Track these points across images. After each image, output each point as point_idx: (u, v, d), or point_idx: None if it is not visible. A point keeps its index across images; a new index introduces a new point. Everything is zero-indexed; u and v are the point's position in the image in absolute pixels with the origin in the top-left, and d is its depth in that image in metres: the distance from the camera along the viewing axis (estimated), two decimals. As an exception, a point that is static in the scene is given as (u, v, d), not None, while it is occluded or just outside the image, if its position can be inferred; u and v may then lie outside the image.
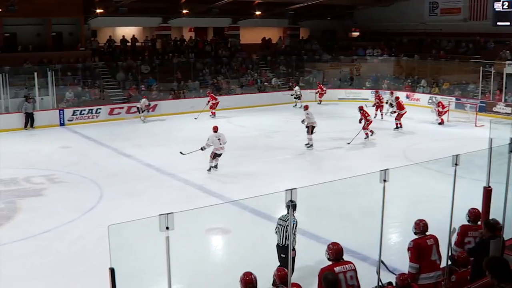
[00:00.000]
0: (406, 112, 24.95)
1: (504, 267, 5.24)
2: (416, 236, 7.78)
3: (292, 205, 8.72)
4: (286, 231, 8.83)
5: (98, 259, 9.59)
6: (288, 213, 8.89)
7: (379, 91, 30.21)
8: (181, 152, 17.59)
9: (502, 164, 7.86)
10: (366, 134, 21.54)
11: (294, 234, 8.63)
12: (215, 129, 17.02)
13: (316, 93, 32.66)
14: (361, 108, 21.61)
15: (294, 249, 8.17)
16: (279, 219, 9.08)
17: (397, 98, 26.15)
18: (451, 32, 35.43)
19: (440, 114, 25.32)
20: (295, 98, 31.48)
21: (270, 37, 40.22)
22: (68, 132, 24.55)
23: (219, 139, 16.72)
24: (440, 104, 25.52)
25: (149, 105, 27.64)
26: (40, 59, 29.09)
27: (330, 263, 7.07)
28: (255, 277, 6.51)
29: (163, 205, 13.47)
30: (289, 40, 41.51)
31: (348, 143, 20.68)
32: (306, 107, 21.24)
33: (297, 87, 32.23)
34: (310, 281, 8.13)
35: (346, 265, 7.00)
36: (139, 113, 27.32)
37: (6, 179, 16.39)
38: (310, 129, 20.39)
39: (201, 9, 33.31)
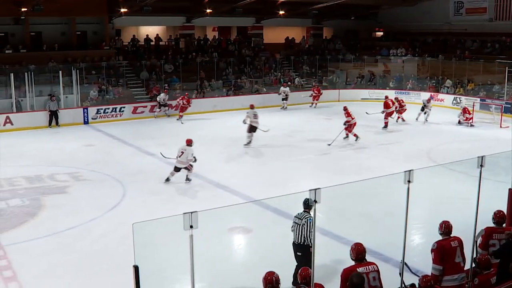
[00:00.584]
0: (393, 111, 25.00)
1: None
2: (440, 238, 7.73)
3: (309, 204, 8.78)
4: (302, 230, 8.87)
5: (121, 257, 9.71)
6: (304, 211, 9.03)
7: (400, 93, 29.87)
8: (161, 154, 17.17)
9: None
10: (354, 135, 21.02)
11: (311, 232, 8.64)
12: (187, 142, 15.64)
13: (310, 96, 31.27)
14: (345, 109, 21.39)
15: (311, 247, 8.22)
16: (295, 217, 9.12)
17: (386, 97, 26.04)
18: (477, 32, 35.07)
19: (468, 120, 25.00)
20: (283, 99, 30.25)
21: (293, 36, 40.16)
22: (92, 130, 24.73)
23: (182, 152, 15.35)
24: (466, 110, 25.20)
25: (164, 102, 27.73)
26: (65, 58, 29.35)
27: (353, 263, 7.05)
28: (277, 277, 6.48)
29: (186, 204, 13.61)
30: (312, 39, 41.40)
31: (329, 144, 20.31)
32: (251, 106, 21.48)
33: (287, 88, 30.80)
34: (331, 281, 8.14)
35: (369, 266, 6.97)
36: (158, 108, 27.77)
37: (31, 176, 16.57)
38: (249, 128, 20.63)
39: (224, 9, 33.35)
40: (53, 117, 25.21)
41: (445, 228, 7.73)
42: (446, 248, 7.54)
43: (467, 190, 7.96)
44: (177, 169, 15.64)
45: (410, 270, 7.49)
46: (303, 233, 8.85)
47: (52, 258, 10.73)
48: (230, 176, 16.60)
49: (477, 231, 7.72)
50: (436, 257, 7.54)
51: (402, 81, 34.31)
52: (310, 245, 8.43)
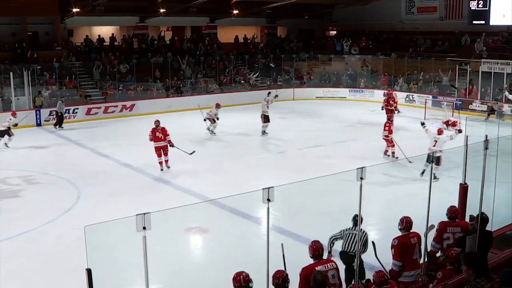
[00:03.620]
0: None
1: (480, 262, 5.29)
2: (400, 233, 7.79)
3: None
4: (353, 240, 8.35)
5: (77, 260, 9.57)
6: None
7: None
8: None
9: (478, 161, 7.93)
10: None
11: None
12: (439, 132, 14.36)
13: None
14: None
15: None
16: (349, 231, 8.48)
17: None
18: (428, 30, 35.73)
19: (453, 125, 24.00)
20: (210, 120, 23.15)
21: (247, 35, 40.20)
22: (45, 133, 24.29)
23: (436, 141, 13.75)
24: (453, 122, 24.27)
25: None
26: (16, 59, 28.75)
27: (311, 261, 7.06)
28: (246, 276, 6.21)
29: (142, 205, 13.36)
30: (266, 38, 41.50)
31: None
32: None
33: (218, 110, 23.34)
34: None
35: (328, 264, 7.00)
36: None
37: (-19, 181, 16.21)
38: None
39: (178, 8, 33.22)
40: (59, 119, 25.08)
41: (406, 223, 7.78)
42: (406, 245, 7.60)
43: (421, 186, 8.07)
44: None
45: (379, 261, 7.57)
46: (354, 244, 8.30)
47: (7, 263, 10.48)
48: (187, 176, 16.53)
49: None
50: (396, 254, 7.60)
51: (356, 79, 34.71)
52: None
